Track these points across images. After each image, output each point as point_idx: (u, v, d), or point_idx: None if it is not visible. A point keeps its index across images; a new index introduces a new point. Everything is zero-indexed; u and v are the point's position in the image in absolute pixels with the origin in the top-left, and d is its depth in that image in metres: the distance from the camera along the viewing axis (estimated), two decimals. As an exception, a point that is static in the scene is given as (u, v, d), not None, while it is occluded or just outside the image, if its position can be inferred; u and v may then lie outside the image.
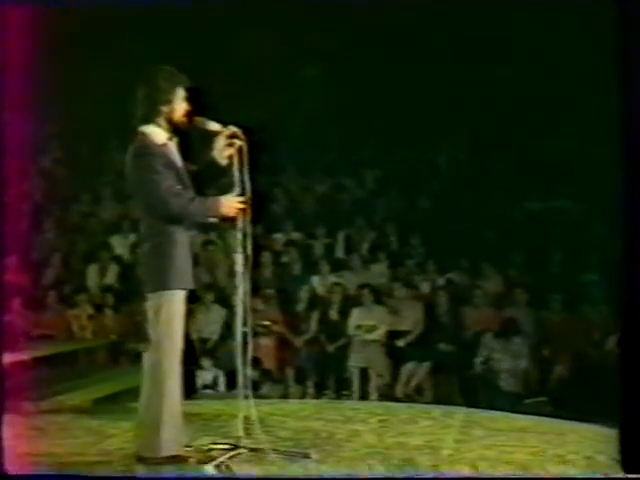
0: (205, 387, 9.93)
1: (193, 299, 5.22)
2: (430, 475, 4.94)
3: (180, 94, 5.08)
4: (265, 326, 10.02)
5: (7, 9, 5.19)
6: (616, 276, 9.57)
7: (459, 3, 11.93)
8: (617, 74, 4.84)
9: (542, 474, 5.05)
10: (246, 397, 5.09)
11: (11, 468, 4.90)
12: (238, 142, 5.12)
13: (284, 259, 11.37)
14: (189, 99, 5.13)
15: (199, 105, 5.22)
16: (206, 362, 10.03)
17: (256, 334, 6.05)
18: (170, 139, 5.05)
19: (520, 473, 5.01)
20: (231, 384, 8.50)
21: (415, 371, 9.89)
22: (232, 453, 4.99)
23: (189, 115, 5.12)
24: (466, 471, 5.04)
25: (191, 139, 5.26)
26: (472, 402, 9.25)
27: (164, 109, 5.03)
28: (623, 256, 4.88)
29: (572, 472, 5.07)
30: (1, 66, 5.07)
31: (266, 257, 10.93)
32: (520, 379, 9.59)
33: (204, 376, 9.96)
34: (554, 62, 12.79)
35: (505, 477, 4.99)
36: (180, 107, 5.08)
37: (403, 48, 13.35)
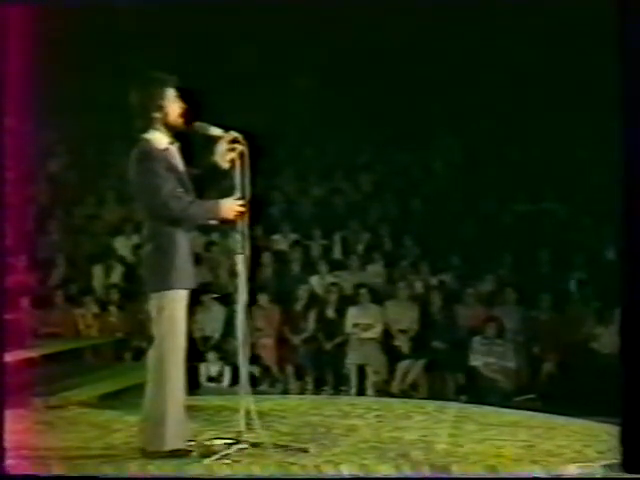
0: (210, 380, 10.18)
1: (196, 298, 5.31)
2: (430, 475, 4.93)
3: (170, 95, 5.09)
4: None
5: (7, 9, 5.14)
6: (603, 275, 9.84)
7: (448, 8, 12.03)
8: (612, 77, 4.83)
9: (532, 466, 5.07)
10: (247, 393, 5.17)
11: (17, 462, 4.93)
12: (239, 147, 5.15)
13: (289, 259, 11.45)
14: (185, 100, 5.13)
15: (197, 106, 5.23)
16: (210, 357, 10.24)
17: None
18: (172, 143, 5.09)
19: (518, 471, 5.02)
20: (235, 379, 8.64)
21: (410, 368, 10.04)
22: (234, 447, 5.05)
23: (186, 114, 5.11)
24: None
25: (193, 144, 5.31)
26: (464, 398, 9.48)
27: (157, 115, 5.05)
28: (623, 252, 4.87)
29: (561, 465, 5.08)
30: (2, 69, 5.05)
31: (266, 258, 11.05)
32: (509, 377, 9.76)
33: (209, 369, 10.21)
34: (544, 66, 12.93)
35: (504, 477, 4.95)
36: (173, 108, 5.09)
37: (397, 55, 13.51)
